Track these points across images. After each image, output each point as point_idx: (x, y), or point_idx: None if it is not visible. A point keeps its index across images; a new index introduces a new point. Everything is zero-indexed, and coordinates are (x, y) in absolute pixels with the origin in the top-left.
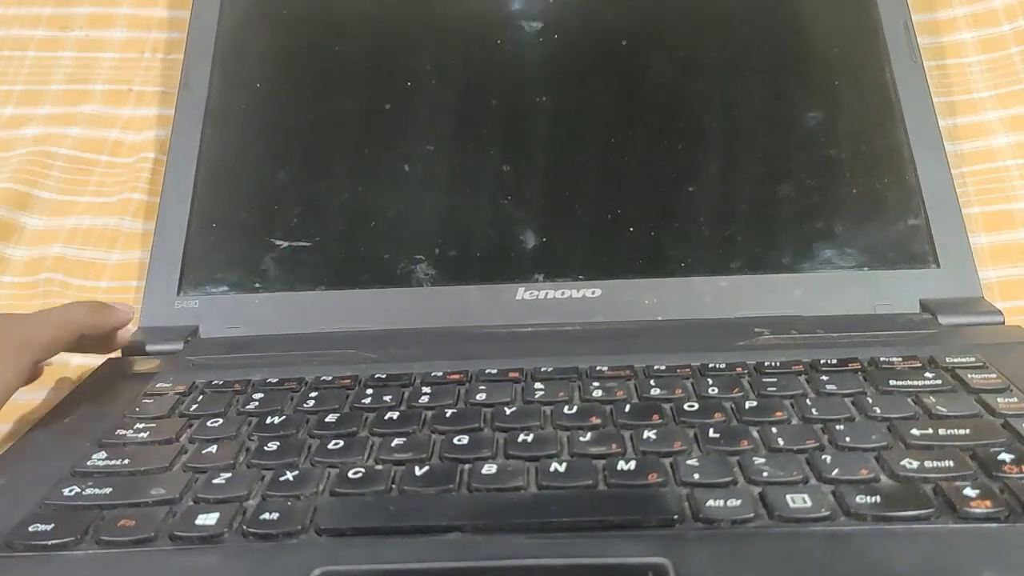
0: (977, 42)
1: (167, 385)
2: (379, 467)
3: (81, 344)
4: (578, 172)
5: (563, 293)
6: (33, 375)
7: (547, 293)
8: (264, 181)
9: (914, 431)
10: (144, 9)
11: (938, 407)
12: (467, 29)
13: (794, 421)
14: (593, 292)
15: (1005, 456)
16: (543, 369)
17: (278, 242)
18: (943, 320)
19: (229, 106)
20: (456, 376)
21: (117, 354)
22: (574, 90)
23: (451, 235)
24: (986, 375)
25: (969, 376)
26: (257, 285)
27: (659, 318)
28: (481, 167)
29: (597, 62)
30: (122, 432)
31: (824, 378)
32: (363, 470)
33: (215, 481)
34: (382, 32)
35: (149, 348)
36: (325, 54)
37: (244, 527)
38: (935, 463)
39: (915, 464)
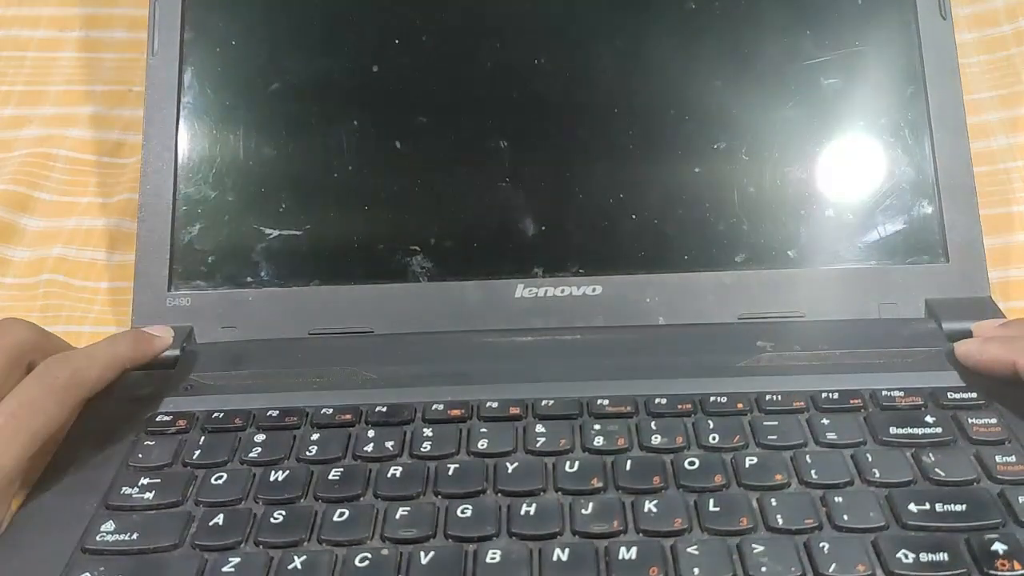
0: (977, 42)
1: (168, 419)
2: (385, 551)
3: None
4: (578, 155)
5: (563, 290)
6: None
7: (547, 290)
8: (248, 162)
9: (911, 507)
10: (144, 10)
11: (936, 470)
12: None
13: (793, 485)
14: (594, 289)
15: (999, 547)
16: (544, 403)
17: (268, 231)
18: (947, 326)
19: (204, 76)
20: (457, 412)
21: None
22: (575, 59)
23: (446, 222)
24: (986, 421)
25: (969, 422)
26: (249, 279)
27: (660, 320)
28: (476, 145)
29: (600, 36)
30: (127, 491)
31: (825, 422)
32: (370, 556)
33: (224, 569)
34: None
35: None
36: (306, 15)
37: None
38: (930, 556)
39: (911, 559)
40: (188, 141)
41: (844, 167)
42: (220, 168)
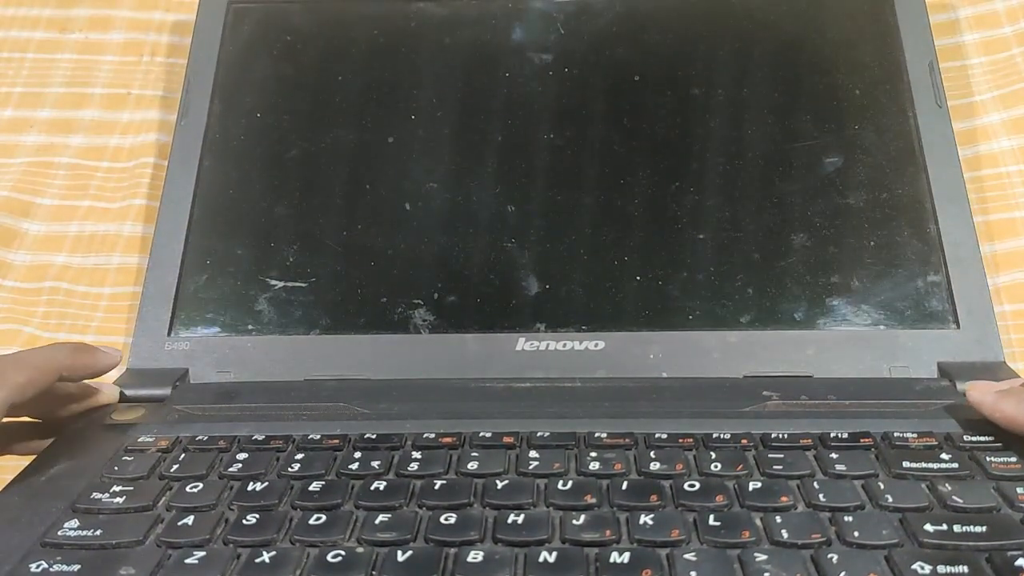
0: (979, 44)
1: (150, 440)
2: (360, 549)
3: (61, 390)
4: (584, 217)
5: (565, 345)
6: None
7: (548, 344)
8: (261, 219)
9: (928, 527)
10: (143, 12)
11: (954, 497)
12: (474, 62)
13: (800, 507)
14: (596, 344)
15: (1023, 562)
16: (539, 434)
17: (273, 282)
18: (962, 387)
19: (228, 141)
20: (448, 440)
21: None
22: (582, 129)
23: (451, 279)
24: (1006, 459)
25: (988, 459)
26: (250, 327)
27: (664, 374)
28: (484, 208)
29: (606, 100)
30: (97, 496)
31: (834, 456)
32: (343, 553)
33: (188, 561)
34: (387, 66)
35: (136, 393)
36: (328, 88)
37: None
38: (948, 568)
39: (927, 569)
40: (205, 197)
41: (849, 238)
42: (232, 223)
